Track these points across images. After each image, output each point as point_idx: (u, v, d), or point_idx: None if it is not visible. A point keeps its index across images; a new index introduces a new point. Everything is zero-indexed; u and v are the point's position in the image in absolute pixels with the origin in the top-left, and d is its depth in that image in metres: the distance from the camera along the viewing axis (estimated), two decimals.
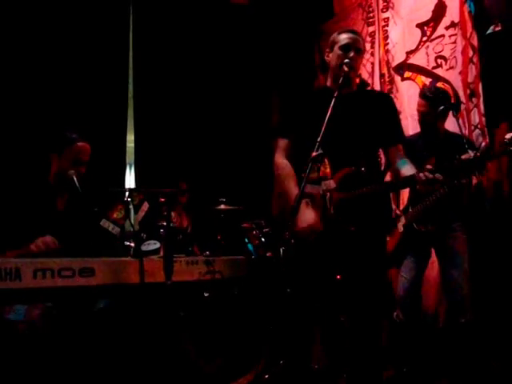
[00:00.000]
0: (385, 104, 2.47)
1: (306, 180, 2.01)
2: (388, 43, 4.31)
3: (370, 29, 4.47)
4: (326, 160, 2.18)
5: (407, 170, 2.27)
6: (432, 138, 3.06)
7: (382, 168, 2.89)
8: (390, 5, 4.31)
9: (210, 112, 4.99)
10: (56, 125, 3.86)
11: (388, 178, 2.89)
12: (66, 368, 2.29)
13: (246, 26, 5.13)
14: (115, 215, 2.73)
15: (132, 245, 2.66)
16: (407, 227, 3.07)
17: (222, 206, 3.63)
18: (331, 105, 2.13)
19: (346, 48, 2.35)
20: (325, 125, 2.07)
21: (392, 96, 3.85)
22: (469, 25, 3.61)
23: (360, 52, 2.39)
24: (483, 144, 3.33)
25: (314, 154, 2.03)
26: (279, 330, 2.88)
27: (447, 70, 3.76)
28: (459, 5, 3.67)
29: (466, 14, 3.63)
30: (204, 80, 4.99)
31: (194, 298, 2.85)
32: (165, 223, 2.66)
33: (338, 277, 2.36)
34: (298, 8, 4.94)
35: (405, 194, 3.30)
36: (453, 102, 3.37)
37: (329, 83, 2.47)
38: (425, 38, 3.96)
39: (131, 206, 2.91)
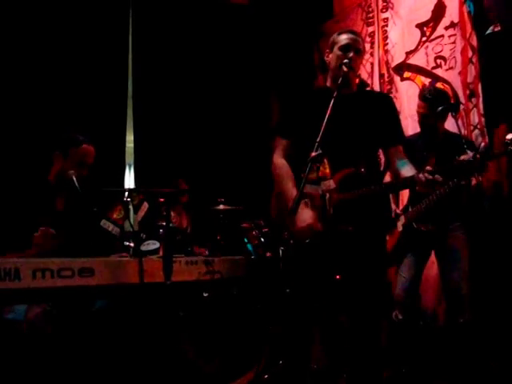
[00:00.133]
0: (385, 104, 2.47)
1: (305, 180, 2.01)
2: (387, 43, 4.31)
3: (370, 29, 4.48)
4: (325, 160, 2.18)
5: (407, 170, 2.27)
6: (432, 139, 3.06)
7: (382, 168, 2.90)
8: (390, 5, 4.31)
9: (210, 112, 4.99)
10: (56, 125, 3.87)
11: (387, 178, 2.89)
12: (66, 368, 2.29)
13: (246, 26, 5.13)
14: (115, 215, 2.73)
15: (132, 245, 2.67)
16: (407, 227, 3.07)
17: (222, 206, 3.63)
18: (330, 105, 2.13)
19: (345, 48, 2.35)
20: (324, 125, 2.07)
21: (392, 96, 3.86)
22: (468, 25, 3.61)
23: (359, 52, 2.39)
24: (482, 144, 3.32)
25: (314, 154, 2.03)
26: (279, 330, 2.88)
27: (446, 70, 3.76)
28: (459, 5, 3.68)
29: (466, 14, 3.63)
30: (203, 80, 4.99)
31: (194, 298, 2.85)
32: (164, 223, 2.66)
33: (338, 277, 2.36)
34: (298, 8, 4.94)
35: (404, 193, 3.30)
36: (452, 102, 3.37)
37: (328, 83, 2.47)
38: (424, 39, 3.96)
39: (131, 206, 2.91)
